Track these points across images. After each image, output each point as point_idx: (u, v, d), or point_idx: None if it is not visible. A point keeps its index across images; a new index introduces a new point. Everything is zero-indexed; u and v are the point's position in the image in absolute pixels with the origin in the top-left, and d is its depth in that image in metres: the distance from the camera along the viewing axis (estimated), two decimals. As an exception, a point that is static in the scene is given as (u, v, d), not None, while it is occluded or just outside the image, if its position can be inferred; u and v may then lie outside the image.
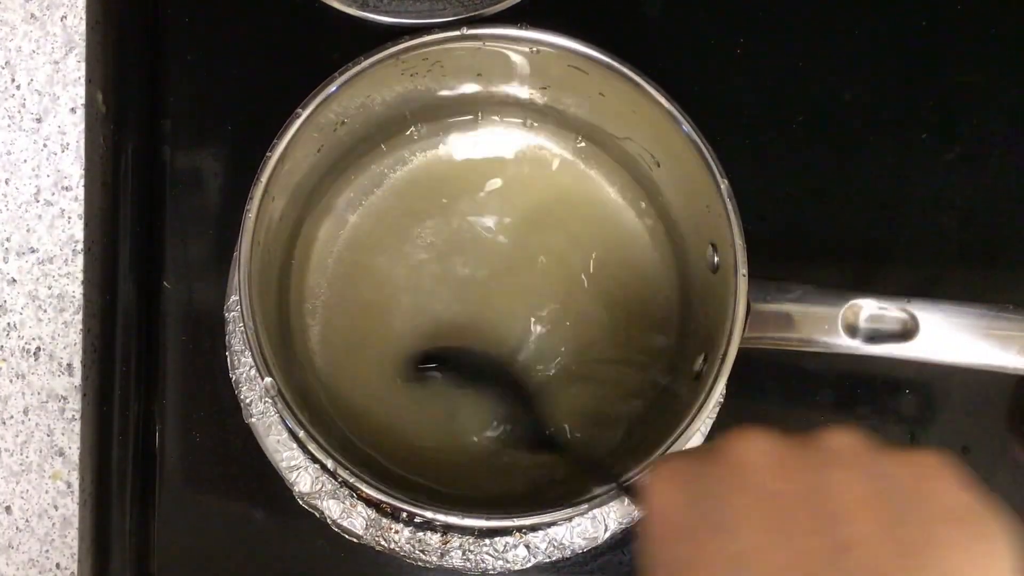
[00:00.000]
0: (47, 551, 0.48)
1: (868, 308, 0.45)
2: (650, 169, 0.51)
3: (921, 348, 0.45)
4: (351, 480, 0.42)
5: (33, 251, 0.51)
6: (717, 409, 0.50)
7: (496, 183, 0.54)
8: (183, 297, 0.54)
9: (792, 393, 0.54)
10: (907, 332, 0.45)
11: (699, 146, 0.45)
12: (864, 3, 0.60)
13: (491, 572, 0.50)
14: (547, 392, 0.51)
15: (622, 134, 0.51)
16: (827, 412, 0.54)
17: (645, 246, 0.53)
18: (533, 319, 0.52)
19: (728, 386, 0.49)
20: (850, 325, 0.45)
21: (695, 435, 0.47)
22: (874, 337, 0.45)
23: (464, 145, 0.54)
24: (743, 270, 0.44)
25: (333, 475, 0.49)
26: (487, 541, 0.49)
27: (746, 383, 0.49)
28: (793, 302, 0.45)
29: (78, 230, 0.51)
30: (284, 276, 0.51)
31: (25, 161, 0.51)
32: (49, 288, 0.50)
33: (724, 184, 0.45)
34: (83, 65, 0.52)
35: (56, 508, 0.49)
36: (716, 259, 0.47)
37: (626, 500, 0.40)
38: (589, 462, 0.39)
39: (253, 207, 0.45)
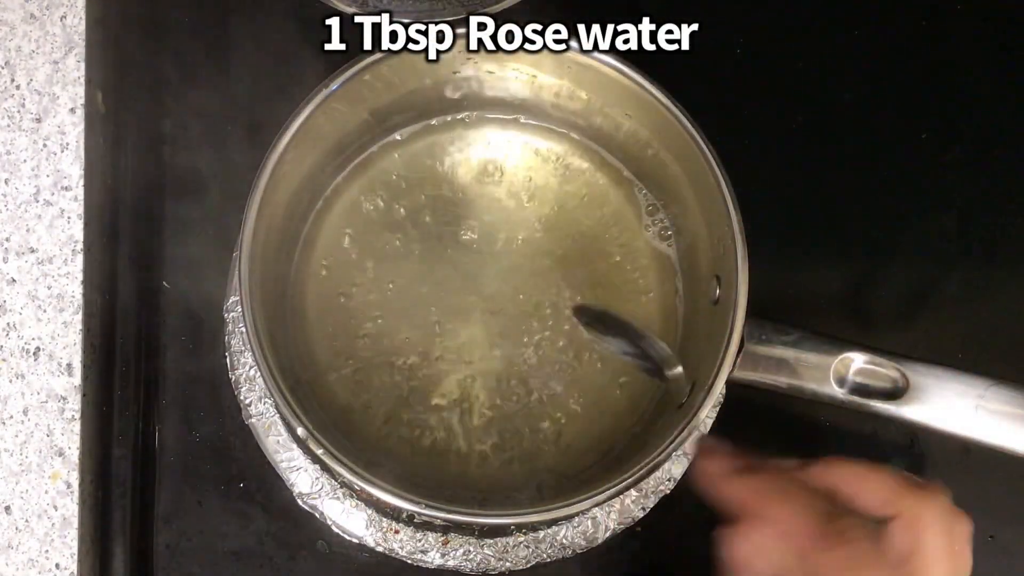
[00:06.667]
0: (47, 551, 0.48)
1: (860, 362, 0.45)
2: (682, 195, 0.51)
3: (909, 410, 0.45)
4: (352, 479, 0.42)
5: (33, 251, 0.51)
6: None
7: (508, 186, 0.54)
8: (183, 297, 0.54)
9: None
10: (896, 391, 0.45)
11: (718, 178, 0.45)
12: (864, 3, 0.60)
13: (492, 572, 0.49)
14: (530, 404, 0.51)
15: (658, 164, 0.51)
16: (827, 412, 0.54)
17: (651, 260, 0.53)
18: (524, 326, 0.52)
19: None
20: (841, 377, 0.45)
21: (672, 459, 0.48)
22: (863, 391, 0.45)
23: (478, 146, 0.54)
24: (742, 309, 0.44)
25: (333, 475, 0.49)
26: (487, 541, 0.49)
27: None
28: (788, 346, 0.46)
29: (78, 230, 0.51)
30: (284, 276, 0.51)
31: (25, 161, 0.51)
32: (49, 288, 0.50)
33: (736, 218, 0.45)
34: (83, 65, 0.52)
35: (56, 508, 0.49)
36: (718, 292, 0.47)
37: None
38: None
39: (253, 207, 0.45)
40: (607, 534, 0.50)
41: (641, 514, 0.50)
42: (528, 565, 0.50)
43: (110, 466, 0.52)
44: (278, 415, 0.50)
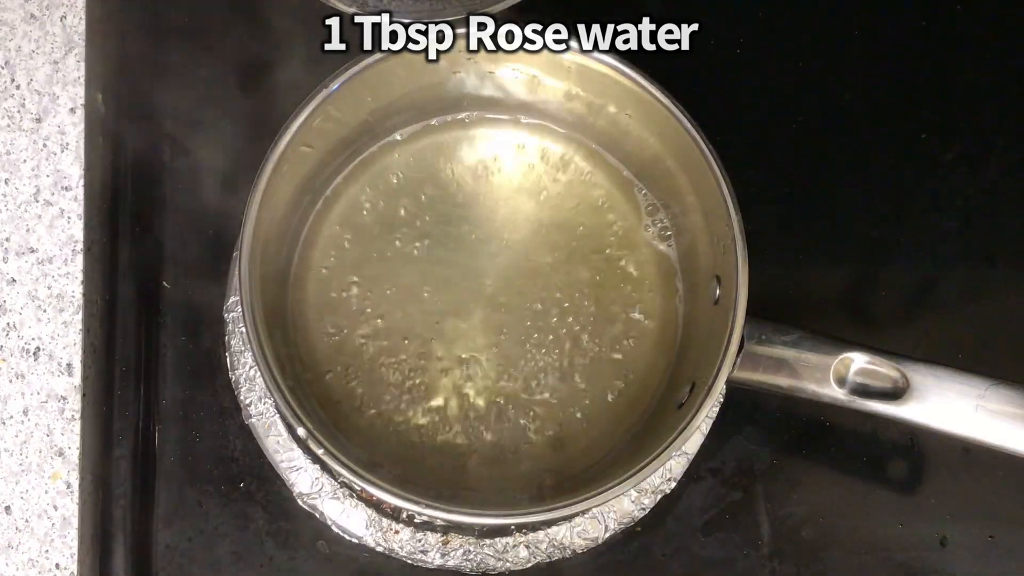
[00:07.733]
0: (47, 551, 0.48)
1: (860, 362, 0.45)
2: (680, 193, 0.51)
3: (909, 410, 0.45)
4: (352, 479, 0.42)
5: (33, 251, 0.51)
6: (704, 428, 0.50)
7: (508, 187, 0.54)
8: (183, 297, 0.54)
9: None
10: (897, 392, 0.45)
11: (718, 178, 0.45)
12: (864, 3, 0.60)
13: (492, 573, 0.49)
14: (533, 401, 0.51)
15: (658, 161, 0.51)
16: (827, 412, 0.54)
17: (652, 263, 0.53)
18: (524, 327, 0.52)
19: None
20: (841, 377, 0.45)
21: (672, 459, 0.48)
22: (863, 392, 0.45)
23: (478, 146, 0.54)
24: (742, 309, 0.44)
25: (333, 475, 0.49)
26: (487, 541, 0.49)
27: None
28: (787, 347, 0.46)
29: (78, 230, 0.51)
30: (284, 276, 0.51)
31: (25, 161, 0.51)
32: (49, 288, 0.50)
33: (736, 219, 0.45)
34: (83, 65, 0.52)
35: (56, 508, 0.49)
36: (718, 292, 0.47)
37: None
38: None
39: (253, 207, 0.45)
40: (607, 534, 0.50)
41: (641, 514, 0.50)
42: (528, 565, 0.50)
43: (110, 466, 0.52)
44: (278, 415, 0.50)
